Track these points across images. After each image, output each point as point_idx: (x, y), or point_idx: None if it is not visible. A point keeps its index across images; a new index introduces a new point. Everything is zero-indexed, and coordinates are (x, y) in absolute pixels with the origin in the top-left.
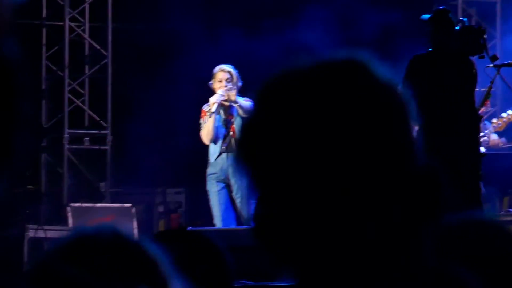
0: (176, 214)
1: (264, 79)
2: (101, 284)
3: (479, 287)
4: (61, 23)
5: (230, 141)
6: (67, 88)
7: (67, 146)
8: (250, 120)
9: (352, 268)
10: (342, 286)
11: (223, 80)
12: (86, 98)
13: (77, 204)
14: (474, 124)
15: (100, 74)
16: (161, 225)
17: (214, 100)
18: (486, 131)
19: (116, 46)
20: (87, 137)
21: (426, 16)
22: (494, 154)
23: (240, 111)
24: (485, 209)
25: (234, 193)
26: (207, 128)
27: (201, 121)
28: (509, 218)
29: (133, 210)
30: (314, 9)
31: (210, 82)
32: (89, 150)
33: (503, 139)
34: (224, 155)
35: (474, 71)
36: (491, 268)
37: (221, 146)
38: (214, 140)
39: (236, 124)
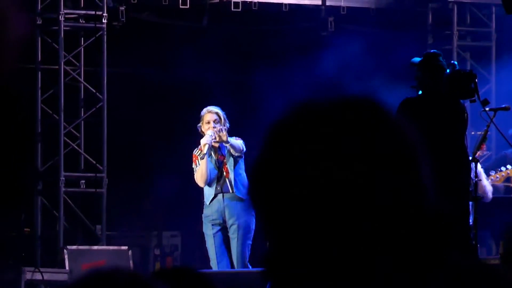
0: (172, 257)
1: (276, 116)
2: None
3: None
4: (56, 67)
5: (224, 182)
6: (62, 131)
7: (63, 189)
8: (262, 158)
9: None
10: None
11: (211, 122)
12: (82, 141)
13: (73, 247)
14: (465, 168)
15: (95, 118)
16: (157, 268)
17: (204, 141)
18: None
19: (111, 89)
20: (82, 180)
21: (417, 59)
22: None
23: (232, 151)
24: (479, 252)
25: (230, 234)
26: (200, 171)
27: (193, 166)
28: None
29: (130, 252)
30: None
31: (199, 125)
32: (84, 193)
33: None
34: (219, 196)
35: (464, 115)
36: None
37: (216, 188)
38: (208, 183)
39: (229, 164)
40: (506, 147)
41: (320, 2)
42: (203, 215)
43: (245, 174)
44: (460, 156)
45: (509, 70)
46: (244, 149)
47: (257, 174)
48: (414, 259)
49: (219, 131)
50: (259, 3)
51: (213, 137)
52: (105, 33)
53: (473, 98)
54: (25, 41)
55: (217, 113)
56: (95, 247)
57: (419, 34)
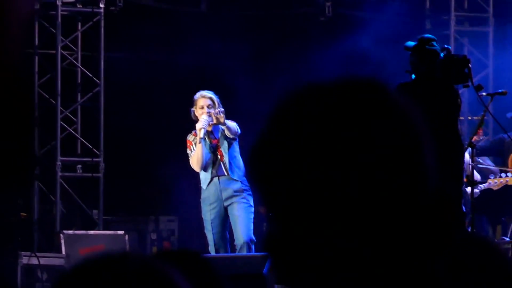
0: (169, 242)
1: (280, 96)
2: None
3: None
4: (53, 52)
5: (219, 165)
6: (59, 116)
7: (59, 174)
8: (264, 138)
9: (362, 284)
10: None
11: (205, 106)
12: (79, 126)
13: (70, 232)
14: (458, 153)
15: (92, 102)
16: (156, 250)
17: (200, 126)
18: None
19: (108, 74)
20: (79, 164)
21: (411, 43)
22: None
23: (227, 133)
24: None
25: (230, 213)
26: (196, 155)
27: (188, 151)
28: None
29: (126, 237)
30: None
31: (192, 109)
32: (81, 177)
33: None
34: (215, 179)
35: (458, 100)
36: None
37: (211, 172)
38: (204, 167)
39: (223, 147)
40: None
41: None
42: (201, 200)
43: (240, 157)
44: (453, 140)
45: (506, 55)
46: (239, 131)
47: (259, 153)
48: (418, 241)
49: (217, 113)
50: None
51: (209, 120)
52: (103, 17)
53: (466, 83)
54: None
55: (210, 98)
56: (92, 232)
57: (417, 20)
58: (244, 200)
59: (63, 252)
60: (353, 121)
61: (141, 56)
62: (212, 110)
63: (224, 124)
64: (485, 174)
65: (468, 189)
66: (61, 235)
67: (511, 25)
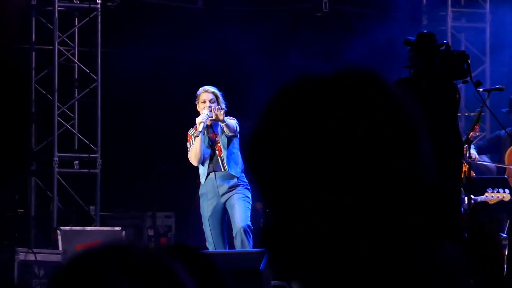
0: (166, 238)
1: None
2: None
3: None
4: (51, 47)
5: (216, 161)
6: (56, 112)
7: (56, 170)
8: (260, 129)
9: (360, 280)
10: None
11: (207, 101)
12: (76, 121)
13: (67, 228)
14: (457, 149)
15: (90, 98)
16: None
17: (200, 120)
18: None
19: (105, 70)
20: (76, 160)
21: (410, 39)
22: (482, 178)
23: (226, 130)
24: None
25: (228, 207)
26: (194, 149)
27: (188, 145)
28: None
29: (123, 233)
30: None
31: (196, 102)
32: (78, 173)
33: (483, 157)
34: (211, 175)
35: (457, 95)
36: None
37: (208, 167)
38: (202, 162)
39: (222, 142)
40: (500, 128)
41: None
42: (199, 194)
43: (239, 153)
44: (453, 136)
45: (503, 51)
46: (238, 129)
47: (255, 144)
48: (414, 231)
49: (217, 110)
50: None
51: (210, 115)
52: (100, 13)
53: (465, 79)
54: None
55: (213, 93)
56: (89, 228)
57: (414, 15)
58: (241, 191)
59: (60, 248)
60: (350, 113)
61: (138, 52)
62: (214, 105)
63: (223, 121)
64: (482, 171)
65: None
66: (58, 231)
67: (508, 21)
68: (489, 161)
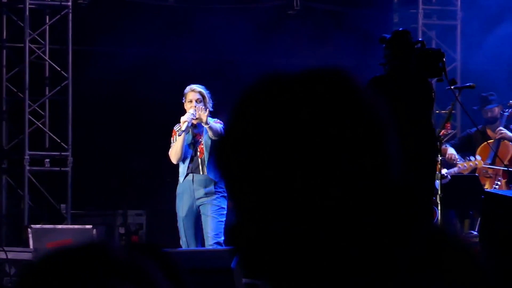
0: (137, 236)
1: (244, 87)
2: None
3: None
4: (21, 45)
5: (196, 162)
6: (27, 110)
7: (27, 168)
8: (228, 129)
9: (327, 278)
10: None
11: (193, 100)
12: (47, 119)
13: (38, 226)
14: (432, 147)
15: (61, 96)
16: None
17: (185, 119)
18: (455, 169)
19: (77, 68)
20: (47, 159)
21: (386, 36)
22: (454, 176)
23: (210, 133)
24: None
25: (202, 213)
26: (175, 147)
27: (171, 139)
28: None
29: (94, 231)
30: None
31: (183, 100)
32: (49, 172)
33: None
34: (189, 176)
35: (432, 93)
36: None
37: (188, 167)
38: (183, 160)
39: (205, 144)
40: (471, 126)
41: None
42: (176, 193)
43: None
44: (428, 134)
45: (474, 48)
46: (223, 134)
47: (223, 143)
48: (380, 231)
49: (200, 110)
50: None
51: (194, 115)
52: (71, 11)
53: (440, 77)
54: None
55: (200, 92)
56: (60, 226)
57: (385, 13)
58: (216, 202)
59: (31, 247)
60: (316, 111)
61: (109, 49)
62: (200, 105)
63: (206, 123)
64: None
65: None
66: (29, 229)
67: (479, 18)
68: (462, 159)
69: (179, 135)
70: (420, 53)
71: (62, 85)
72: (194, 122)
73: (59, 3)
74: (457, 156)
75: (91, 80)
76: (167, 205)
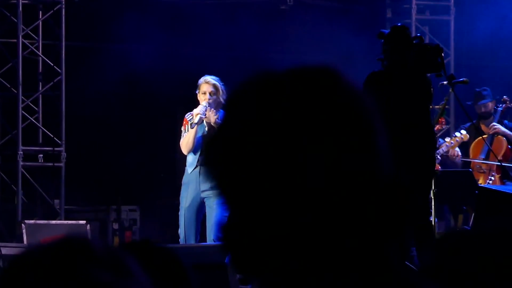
0: (130, 231)
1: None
2: None
3: None
4: (14, 40)
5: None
6: (20, 105)
7: (21, 163)
8: (220, 127)
9: (322, 277)
10: None
11: (207, 93)
12: (40, 115)
13: (31, 221)
14: (430, 142)
15: (54, 92)
16: (116, 243)
17: (197, 111)
18: (443, 147)
19: (70, 63)
20: (41, 154)
21: (384, 32)
22: (448, 171)
23: None
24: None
25: (207, 206)
26: (187, 138)
27: (182, 129)
28: None
29: (88, 227)
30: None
31: (196, 91)
32: (43, 167)
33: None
34: (197, 169)
35: (431, 89)
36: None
37: (198, 159)
38: (194, 150)
39: None
40: (464, 121)
41: None
42: (182, 182)
43: None
44: (426, 130)
45: (467, 44)
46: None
47: (215, 141)
48: (369, 228)
49: (211, 111)
50: None
51: (206, 108)
52: (64, 6)
53: (439, 73)
54: None
55: (214, 85)
56: (54, 222)
57: (378, 8)
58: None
59: (25, 242)
60: (305, 109)
61: (102, 45)
62: (214, 97)
63: (215, 123)
64: (447, 164)
65: None
66: (22, 224)
67: (472, 14)
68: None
69: (191, 127)
70: (419, 48)
71: (55, 80)
72: (205, 119)
73: None
74: (459, 153)
75: (84, 76)
76: (161, 201)
